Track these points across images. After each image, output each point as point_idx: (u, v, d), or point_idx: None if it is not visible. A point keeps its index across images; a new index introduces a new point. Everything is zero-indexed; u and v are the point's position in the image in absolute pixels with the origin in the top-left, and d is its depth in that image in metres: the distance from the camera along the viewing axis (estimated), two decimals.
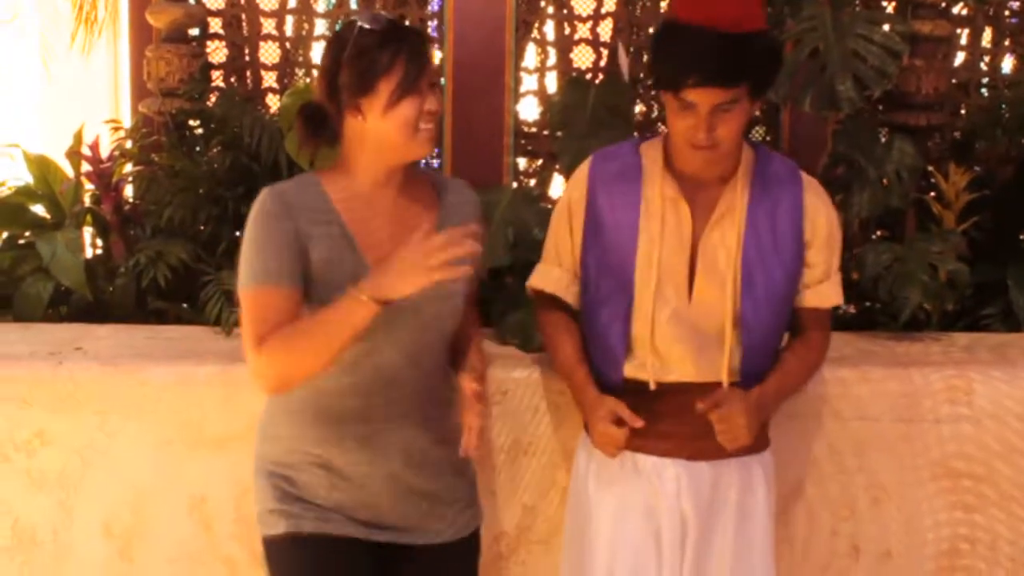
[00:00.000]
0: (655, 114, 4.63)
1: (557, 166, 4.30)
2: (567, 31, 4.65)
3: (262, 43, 4.67)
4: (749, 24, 2.58)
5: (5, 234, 4.24)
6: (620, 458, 2.82)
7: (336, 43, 2.55)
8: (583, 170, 2.89)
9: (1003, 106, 4.45)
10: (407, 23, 4.56)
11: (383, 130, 2.51)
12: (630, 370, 2.83)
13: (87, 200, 4.28)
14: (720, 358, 2.75)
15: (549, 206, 4.29)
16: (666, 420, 2.77)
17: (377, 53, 2.48)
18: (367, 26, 2.50)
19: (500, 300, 3.66)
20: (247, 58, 4.68)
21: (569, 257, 2.90)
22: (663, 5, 4.56)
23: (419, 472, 2.67)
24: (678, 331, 2.75)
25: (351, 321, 2.39)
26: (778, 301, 2.77)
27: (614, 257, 2.81)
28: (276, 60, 4.68)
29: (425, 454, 2.68)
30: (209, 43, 4.66)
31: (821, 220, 2.78)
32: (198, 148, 4.24)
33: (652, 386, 2.79)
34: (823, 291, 2.84)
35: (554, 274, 2.93)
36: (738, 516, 2.82)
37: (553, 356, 2.99)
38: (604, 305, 2.83)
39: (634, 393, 2.79)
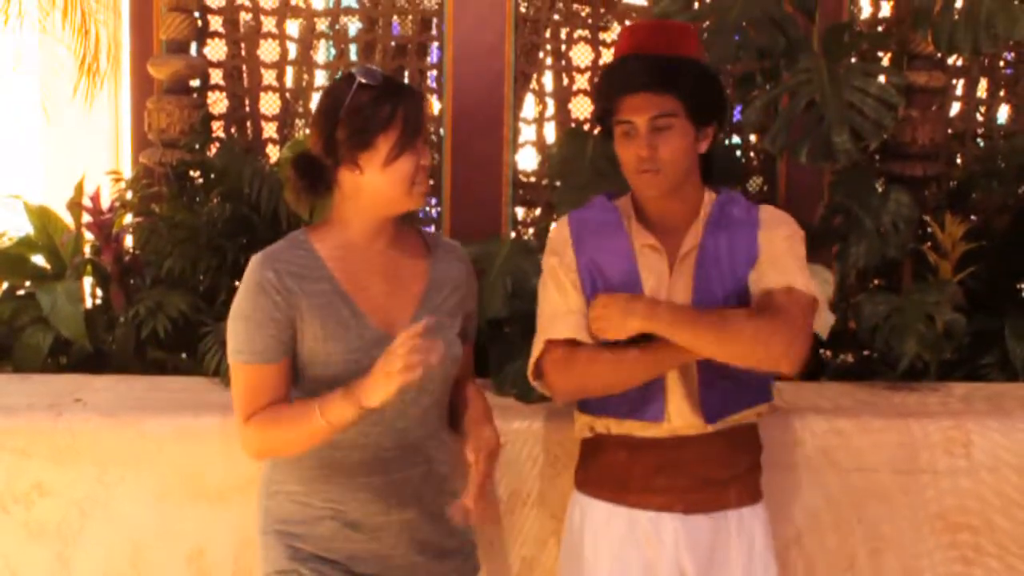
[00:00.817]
0: None
1: (555, 216, 4.31)
2: (565, 82, 4.68)
3: (262, 94, 4.70)
4: (679, 49, 2.69)
5: (5, 284, 4.25)
6: (616, 515, 2.82)
7: (333, 97, 2.57)
8: (562, 230, 2.86)
9: (999, 156, 4.47)
10: (405, 78, 4.60)
11: (380, 185, 2.53)
12: (615, 425, 2.83)
13: (87, 251, 4.29)
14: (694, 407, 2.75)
15: None
16: (662, 474, 2.76)
17: (375, 109, 2.50)
18: (365, 81, 2.52)
19: (498, 350, 3.66)
20: (247, 109, 4.71)
21: (575, 299, 2.78)
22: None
23: (431, 520, 2.67)
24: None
25: (333, 424, 2.46)
26: None
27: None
28: (276, 111, 4.71)
29: (435, 502, 2.68)
30: (210, 94, 4.69)
31: (775, 230, 2.73)
32: (198, 199, 4.25)
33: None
34: (777, 270, 2.68)
35: (561, 322, 2.77)
36: (740, 572, 2.79)
37: (620, 367, 2.72)
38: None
39: (629, 447, 2.79)
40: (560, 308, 2.78)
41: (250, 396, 2.54)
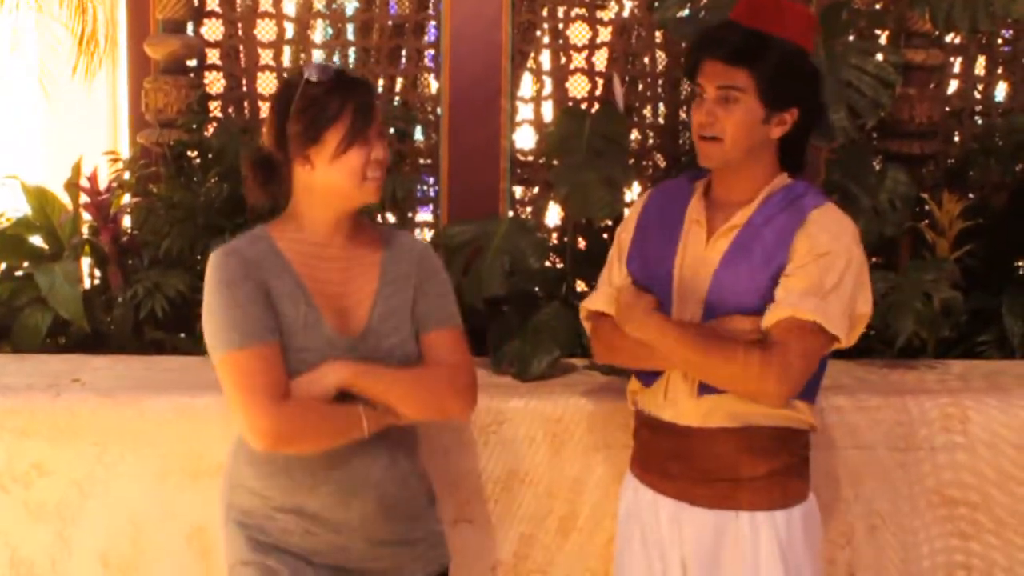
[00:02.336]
0: (650, 143, 4.65)
1: (553, 195, 4.32)
2: (563, 61, 4.67)
3: (260, 74, 4.69)
4: (774, 28, 2.64)
5: (3, 265, 4.25)
6: (639, 490, 2.85)
7: (283, 94, 2.59)
8: (639, 202, 2.93)
9: (997, 134, 4.47)
10: (402, 57, 4.59)
11: (331, 179, 2.54)
12: (644, 398, 2.84)
13: (85, 231, 4.29)
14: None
15: (545, 235, 4.33)
16: (675, 461, 2.75)
17: (324, 104, 2.52)
18: (314, 78, 2.54)
19: (496, 329, 3.67)
20: (245, 89, 4.70)
21: (618, 274, 2.87)
22: (658, 35, 4.58)
23: (392, 512, 2.67)
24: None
25: (365, 433, 2.55)
26: (742, 318, 2.64)
27: (654, 275, 2.78)
28: (273, 91, 4.70)
29: (397, 495, 2.68)
30: (207, 74, 4.69)
31: (811, 238, 2.61)
32: (196, 179, 4.25)
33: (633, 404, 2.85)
34: (792, 302, 2.57)
35: (600, 294, 2.88)
36: (747, 574, 2.71)
37: (638, 351, 2.75)
38: None
39: (651, 427, 2.80)
40: (605, 278, 2.91)
41: (262, 374, 2.49)
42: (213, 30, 4.68)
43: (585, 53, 4.68)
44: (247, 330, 2.49)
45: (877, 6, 4.62)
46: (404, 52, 4.64)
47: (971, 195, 4.39)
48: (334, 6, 4.72)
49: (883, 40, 4.52)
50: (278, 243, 2.59)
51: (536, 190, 4.64)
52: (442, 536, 2.82)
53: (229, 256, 2.55)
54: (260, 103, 4.69)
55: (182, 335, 3.98)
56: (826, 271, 2.59)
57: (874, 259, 4.27)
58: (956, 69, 4.77)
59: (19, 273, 4.21)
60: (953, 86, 4.78)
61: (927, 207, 4.18)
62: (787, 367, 2.56)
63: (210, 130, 4.46)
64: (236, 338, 2.49)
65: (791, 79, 2.66)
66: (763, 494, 2.71)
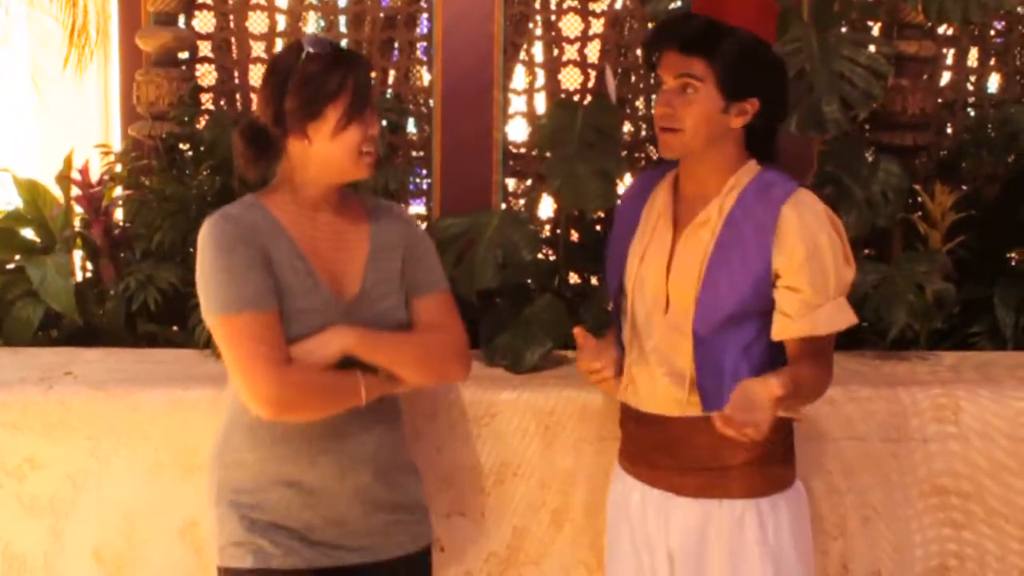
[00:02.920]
0: (643, 134, 4.65)
1: (545, 187, 4.31)
2: (555, 53, 4.67)
3: (252, 66, 4.68)
4: (733, 18, 2.62)
5: None
6: (623, 480, 2.87)
7: (281, 67, 2.57)
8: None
9: (989, 125, 4.47)
10: (394, 49, 4.58)
11: (329, 154, 2.55)
12: (622, 391, 2.85)
13: (77, 224, 4.29)
14: (681, 389, 2.71)
15: (537, 228, 4.33)
16: (659, 451, 2.77)
17: (324, 79, 2.51)
18: (312, 51, 2.52)
19: (489, 321, 3.67)
20: (237, 81, 4.69)
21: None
22: (650, 27, 4.58)
23: (386, 482, 2.69)
24: (652, 351, 2.76)
25: (364, 400, 2.58)
26: (734, 318, 2.65)
27: (612, 265, 2.86)
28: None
29: (390, 464, 2.71)
30: (199, 67, 4.67)
31: (794, 239, 2.60)
32: (188, 171, 4.24)
33: (618, 394, 2.86)
34: (810, 320, 2.62)
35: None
36: (731, 562, 2.72)
37: None
38: (613, 311, 2.90)
39: (634, 418, 2.81)
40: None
41: (269, 341, 2.48)
42: (205, 22, 4.67)
43: (577, 45, 4.67)
44: (249, 295, 2.48)
45: None
46: (396, 44, 4.64)
47: (964, 187, 4.39)
48: None
49: (875, 31, 4.53)
50: (272, 211, 2.59)
51: (529, 182, 4.63)
52: (427, 512, 2.84)
53: (227, 222, 2.54)
54: (252, 95, 4.68)
55: (175, 328, 3.97)
56: (823, 273, 2.62)
57: (866, 251, 4.28)
58: (948, 60, 4.78)
59: (11, 266, 4.20)
60: (946, 78, 4.78)
61: (919, 199, 4.18)
62: (827, 381, 2.72)
63: (202, 123, 4.45)
64: (238, 302, 2.48)
65: (750, 68, 2.64)
66: (745, 481, 2.72)
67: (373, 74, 2.93)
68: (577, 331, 2.80)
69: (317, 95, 2.50)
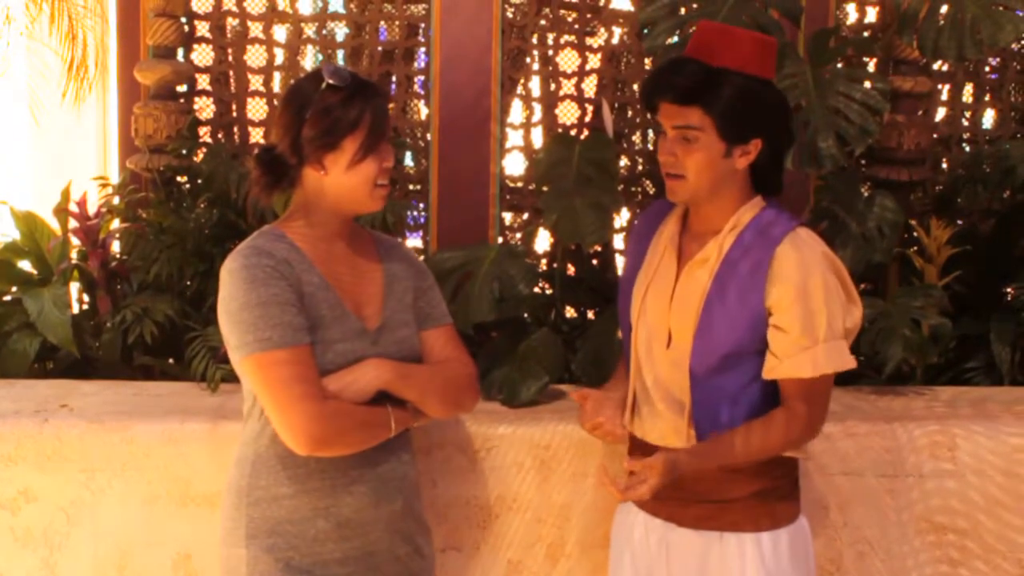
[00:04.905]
0: (639, 169, 4.66)
1: (542, 221, 4.32)
2: (552, 87, 4.68)
3: (249, 100, 4.70)
4: (727, 60, 2.58)
5: None
6: (627, 512, 2.87)
7: (298, 96, 2.56)
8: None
9: (984, 161, 4.48)
10: (392, 83, 4.60)
11: (344, 185, 2.55)
12: (628, 422, 2.85)
13: (74, 256, 4.29)
14: (681, 420, 2.71)
15: (534, 261, 4.34)
16: None
17: (343, 110, 2.51)
18: (332, 82, 2.52)
19: (485, 355, 3.67)
20: (235, 114, 4.71)
21: None
22: (647, 62, 4.60)
23: (411, 513, 2.71)
24: (653, 385, 2.76)
25: (394, 431, 2.58)
26: (731, 357, 2.65)
27: (622, 296, 2.87)
28: (263, 116, 4.71)
29: (415, 490, 2.73)
30: (197, 100, 4.69)
31: (785, 278, 2.59)
32: (185, 204, 4.25)
33: (625, 427, 2.86)
34: (797, 361, 2.60)
35: None
36: None
37: None
38: (623, 341, 2.90)
39: (641, 449, 2.79)
40: None
41: (304, 377, 2.46)
42: (203, 56, 4.69)
43: (575, 80, 4.69)
44: (285, 331, 2.46)
45: (865, 33, 4.65)
46: (394, 78, 4.65)
47: (959, 222, 4.41)
48: (324, 32, 4.73)
49: (871, 67, 4.55)
50: (297, 242, 2.58)
51: (525, 216, 4.64)
52: (432, 550, 2.86)
53: (260, 255, 2.51)
54: (250, 128, 4.70)
55: (171, 360, 3.97)
56: (813, 313, 2.59)
57: (863, 285, 4.29)
58: (944, 96, 4.80)
59: (7, 298, 4.20)
60: (941, 113, 4.80)
61: (915, 234, 4.19)
62: (815, 424, 2.70)
63: (200, 155, 4.46)
64: (274, 339, 2.45)
65: (749, 111, 2.61)
66: (748, 515, 2.71)
67: (391, 106, 2.93)
68: (575, 395, 2.85)
69: (335, 126, 2.50)
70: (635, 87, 4.66)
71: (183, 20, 4.54)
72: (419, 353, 2.71)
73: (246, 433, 2.67)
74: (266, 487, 2.61)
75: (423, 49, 4.65)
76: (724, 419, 2.66)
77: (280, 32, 4.73)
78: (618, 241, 4.43)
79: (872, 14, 4.69)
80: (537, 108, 4.69)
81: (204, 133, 4.67)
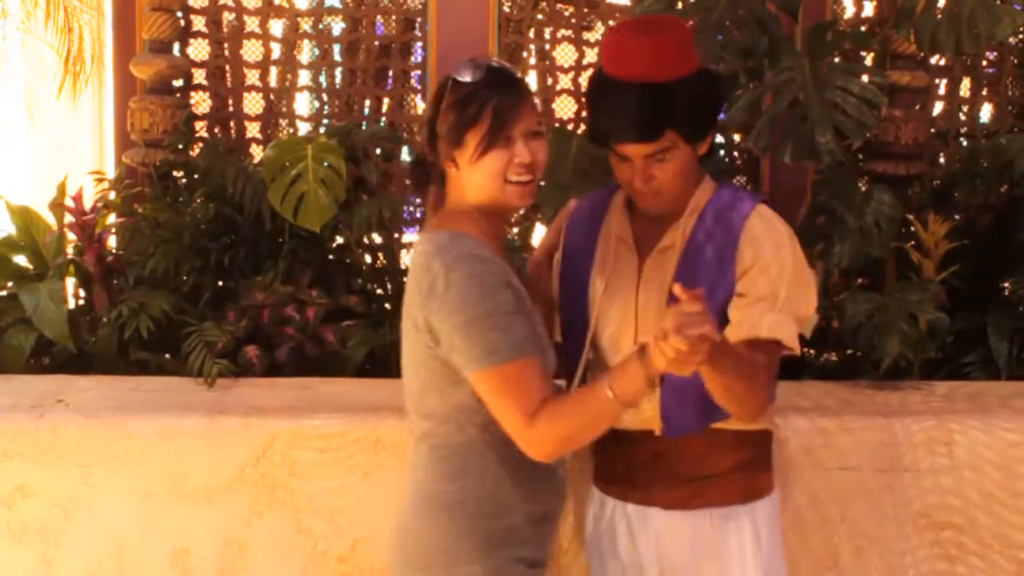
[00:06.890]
0: None
1: (539, 215, 4.32)
2: (549, 82, 4.68)
3: (246, 94, 4.70)
4: (670, 73, 2.55)
5: None
6: (604, 504, 2.85)
7: (437, 91, 2.55)
8: (563, 213, 2.92)
9: (982, 155, 4.48)
10: (388, 78, 4.59)
11: (474, 180, 2.49)
12: None
13: (70, 251, 4.28)
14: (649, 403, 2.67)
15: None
16: (642, 469, 2.75)
17: (465, 106, 2.46)
18: (459, 78, 2.49)
19: None
20: (231, 109, 4.70)
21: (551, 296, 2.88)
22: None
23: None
24: None
25: (621, 399, 2.35)
26: None
27: (571, 293, 2.81)
28: (260, 111, 4.71)
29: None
30: (193, 94, 4.69)
31: (749, 249, 2.60)
32: (181, 199, 4.25)
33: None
34: (755, 321, 2.56)
35: None
36: (725, 568, 2.73)
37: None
38: (565, 339, 2.84)
39: (615, 438, 2.73)
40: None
41: (532, 393, 2.39)
42: (199, 50, 4.69)
43: (571, 74, 4.69)
44: (525, 339, 2.42)
45: (862, 28, 4.64)
46: (390, 73, 4.65)
47: (956, 216, 4.40)
48: (320, 26, 4.73)
49: (868, 61, 4.54)
50: (485, 244, 2.50)
51: (522, 210, 4.63)
52: None
53: (486, 262, 2.44)
54: (246, 123, 4.69)
55: (167, 355, 3.96)
56: (767, 282, 2.59)
57: (859, 280, 4.29)
58: (941, 91, 4.80)
59: (3, 293, 4.21)
60: (938, 107, 4.80)
61: (912, 228, 4.19)
62: (759, 394, 2.59)
63: (196, 150, 4.45)
64: (510, 348, 2.39)
65: (705, 108, 2.63)
66: (734, 488, 2.73)
67: (537, 100, 2.84)
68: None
69: (458, 122, 2.46)
70: None
71: (179, 14, 4.54)
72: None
73: (462, 444, 2.55)
74: (495, 498, 2.53)
75: (419, 43, 4.65)
76: (691, 400, 2.64)
77: (276, 27, 4.72)
78: None
79: (869, 8, 4.69)
80: None
81: (200, 128, 4.67)
